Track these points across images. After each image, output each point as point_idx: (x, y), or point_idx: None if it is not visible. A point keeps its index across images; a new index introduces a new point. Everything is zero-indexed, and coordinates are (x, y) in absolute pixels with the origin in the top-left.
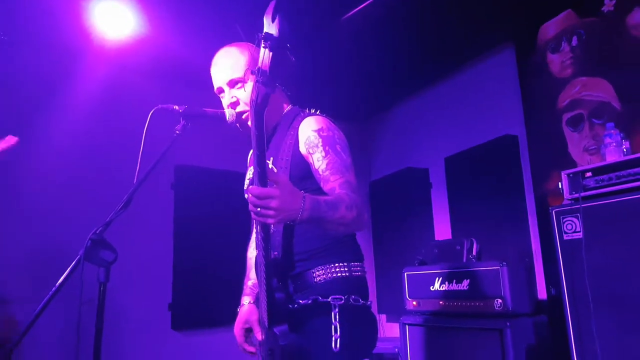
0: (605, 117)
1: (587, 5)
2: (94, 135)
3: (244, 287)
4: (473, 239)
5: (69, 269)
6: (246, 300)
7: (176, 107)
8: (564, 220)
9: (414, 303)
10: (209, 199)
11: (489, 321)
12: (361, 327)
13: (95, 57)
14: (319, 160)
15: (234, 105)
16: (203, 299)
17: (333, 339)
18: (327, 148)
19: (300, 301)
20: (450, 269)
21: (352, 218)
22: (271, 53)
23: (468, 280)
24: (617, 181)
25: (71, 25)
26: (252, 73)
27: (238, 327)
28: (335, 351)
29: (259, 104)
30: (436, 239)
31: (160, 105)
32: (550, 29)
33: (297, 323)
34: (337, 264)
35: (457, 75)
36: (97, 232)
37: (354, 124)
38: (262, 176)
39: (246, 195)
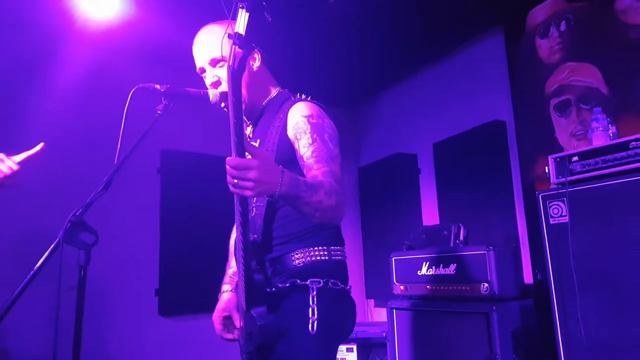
0: (593, 103)
1: None
2: (76, 116)
3: (225, 275)
4: (460, 224)
5: (47, 251)
6: (225, 287)
7: (157, 86)
8: (551, 204)
9: (402, 287)
10: (195, 183)
11: (476, 305)
12: (339, 311)
13: (78, 38)
14: (304, 147)
15: (215, 84)
16: (190, 285)
17: (310, 321)
18: (314, 136)
19: (279, 284)
20: (437, 253)
21: (329, 205)
22: (247, 14)
23: (455, 264)
24: (603, 165)
25: (54, 6)
26: (229, 38)
27: (217, 315)
28: (312, 333)
29: (236, 68)
30: (424, 224)
31: (140, 85)
32: (539, 13)
33: (275, 305)
34: (316, 248)
35: (445, 60)
36: (77, 214)
37: (342, 109)
38: (240, 147)
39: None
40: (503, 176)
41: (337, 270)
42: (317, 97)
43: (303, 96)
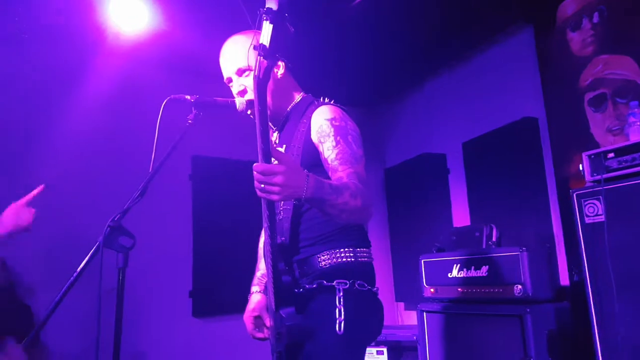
0: (630, 96)
1: None
2: (109, 127)
3: (254, 276)
4: (492, 225)
5: (88, 255)
6: (255, 289)
7: (187, 96)
8: (586, 203)
9: (432, 290)
10: (226, 188)
11: (509, 307)
12: (365, 312)
13: (109, 51)
14: (329, 150)
15: (242, 93)
16: (223, 286)
17: (337, 322)
18: (338, 138)
19: (306, 285)
20: (468, 255)
21: (355, 206)
22: (271, 25)
23: (487, 266)
24: None
25: (85, 20)
26: (254, 49)
27: (248, 315)
28: (339, 334)
29: (261, 78)
30: (454, 225)
31: (172, 96)
32: (569, 6)
33: (303, 306)
34: (343, 250)
35: (473, 57)
36: (115, 219)
37: (367, 109)
38: (266, 153)
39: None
40: (536, 175)
41: (363, 271)
42: (341, 98)
43: (326, 100)
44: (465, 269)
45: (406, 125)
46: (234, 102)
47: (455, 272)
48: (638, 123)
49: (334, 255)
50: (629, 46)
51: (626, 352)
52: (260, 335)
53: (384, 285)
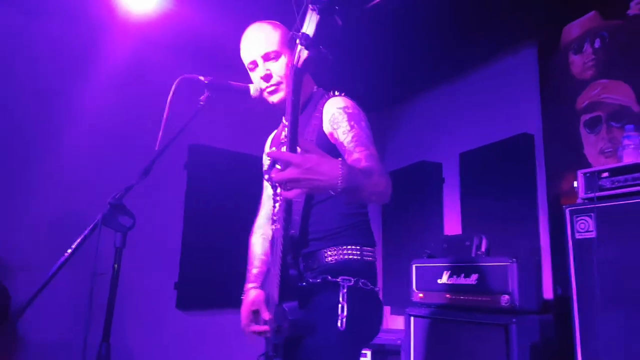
0: (624, 121)
1: (612, 8)
2: (116, 105)
3: (248, 274)
4: (482, 236)
5: (85, 232)
6: (251, 285)
7: (201, 77)
8: (578, 219)
9: (421, 295)
10: (221, 180)
11: (495, 316)
12: (368, 311)
13: (120, 30)
14: (344, 134)
15: (267, 77)
16: (209, 281)
17: (339, 318)
18: (352, 123)
19: (310, 280)
20: (459, 262)
21: (384, 185)
22: (319, 16)
23: (476, 274)
24: (633, 183)
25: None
26: (294, 38)
27: (246, 309)
28: (341, 330)
29: (300, 68)
30: (446, 233)
31: (185, 75)
32: (573, 29)
33: (306, 300)
34: (349, 247)
35: (477, 70)
36: (117, 197)
37: (370, 114)
38: (294, 144)
39: (267, 169)
40: (528, 189)
41: (367, 270)
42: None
43: (336, 92)
44: (455, 276)
45: (406, 132)
46: (248, 88)
47: (445, 279)
48: (632, 146)
49: (340, 251)
50: (627, 73)
51: None
52: (255, 328)
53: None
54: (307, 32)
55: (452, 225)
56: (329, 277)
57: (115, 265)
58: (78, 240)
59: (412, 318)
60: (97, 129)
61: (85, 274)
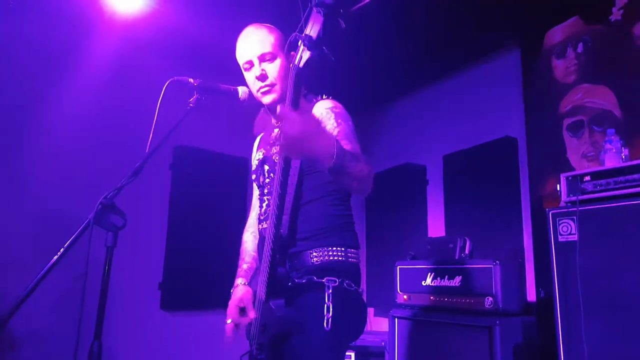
0: (606, 125)
1: (595, 13)
2: (103, 106)
3: (239, 269)
4: (466, 238)
5: (77, 232)
6: (240, 281)
7: (191, 80)
8: (560, 222)
9: (405, 297)
10: (206, 181)
11: (479, 318)
12: (352, 311)
13: (105, 29)
14: (330, 129)
15: (262, 77)
16: (194, 281)
17: (325, 318)
18: (339, 120)
19: (296, 280)
20: (443, 264)
21: (367, 173)
22: (323, 18)
23: (460, 277)
24: (615, 186)
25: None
26: (297, 39)
27: (233, 305)
28: (327, 329)
29: (301, 69)
30: (430, 235)
31: (175, 77)
32: (556, 34)
33: (292, 300)
34: (334, 248)
35: (460, 74)
36: (108, 196)
37: (354, 116)
38: None
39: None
40: (511, 192)
41: (352, 271)
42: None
43: (324, 96)
44: (439, 278)
45: (390, 134)
46: (236, 90)
47: (429, 281)
48: (614, 150)
49: (325, 252)
50: (608, 77)
51: None
52: (237, 321)
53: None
54: (311, 34)
55: (436, 227)
56: (314, 278)
57: (107, 266)
58: (70, 240)
59: (396, 320)
60: (85, 130)
61: (74, 273)
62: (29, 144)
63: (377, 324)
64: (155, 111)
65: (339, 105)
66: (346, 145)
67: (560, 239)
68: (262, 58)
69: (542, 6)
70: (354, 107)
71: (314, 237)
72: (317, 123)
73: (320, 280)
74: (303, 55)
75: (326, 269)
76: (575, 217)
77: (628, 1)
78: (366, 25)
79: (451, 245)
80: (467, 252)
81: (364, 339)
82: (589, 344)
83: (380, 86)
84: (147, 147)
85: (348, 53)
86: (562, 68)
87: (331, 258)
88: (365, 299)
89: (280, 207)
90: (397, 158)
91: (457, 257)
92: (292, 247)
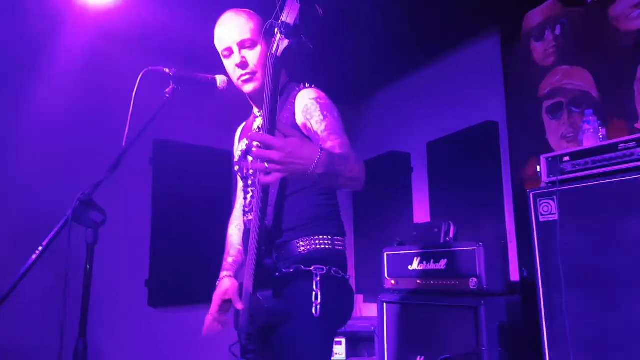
0: (584, 106)
1: None
2: (77, 101)
3: (224, 262)
4: (450, 222)
5: (55, 229)
6: (226, 273)
7: (166, 69)
8: (541, 202)
9: (393, 282)
10: (188, 175)
11: (465, 299)
12: (340, 297)
13: (76, 23)
14: (317, 123)
15: (242, 65)
16: (180, 276)
17: (314, 305)
18: (325, 112)
19: (283, 270)
20: (428, 249)
21: (358, 172)
22: (299, 5)
23: (445, 260)
24: (593, 166)
25: None
26: (273, 26)
27: (217, 297)
28: (316, 316)
29: (279, 57)
30: (415, 222)
31: (150, 67)
32: (535, 17)
33: (280, 290)
34: (321, 236)
35: (441, 60)
36: (86, 192)
37: (338, 105)
38: (272, 133)
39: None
40: (494, 176)
41: (339, 259)
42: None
43: (307, 85)
44: (425, 262)
45: (374, 123)
46: (214, 79)
47: (415, 265)
48: (591, 130)
49: (312, 241)
50: (586, 59)
51: (572, 345)
52: (222, 317)
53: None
54: (288, 21)
55: (422, 213)
56: (302, 267)
57: (88, 264)
58: (48, 239)
59: (384, 304)
60: (61, 126)
61: (58, 273)
62: (3, 142)
63: (367, 310)
64: (131, 104)
65: (322, 94)
66: (334, 140)
67: (541, 218)
68: (241, 45)
69: None
70: (339, 96)
71: (300, 227)
72: (297, 143)
73: (308, 268)
74: (280, 43)
75: (314, 257)
76: (555, 197)
77: None
78: (347, 14)
79: (436, 230)
80: (451, 236)
81: (354, 325)
82: (570, 319)
83: (363, 76)
84: (124, 140)
85: (330, 43)
86: (541, 51)
87: (318, 247)
88: (354, 285)
89: (264, 199)
90: (381, 147)
91: (442, 241)
92: (278, 238)
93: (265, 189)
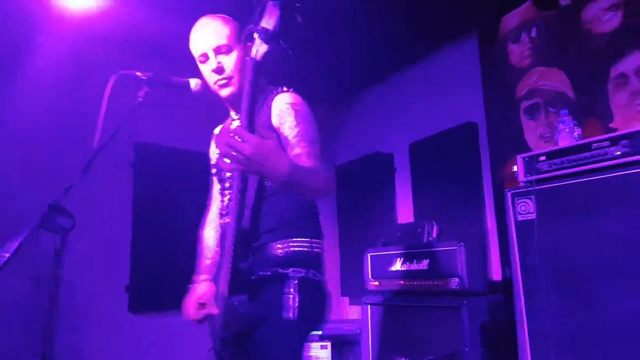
0: (560, 106)
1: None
2: (55, 104)
3: (199, 266)
4: (433, 222)
5: (22, 235)
6: (203, 277)
7: (139, 73)
8: (518, 201)
9: (376, 283)
10: (170, 178)
11: (447, 299)
12: (317, 300)
13: (54, 27)
14: (289, 128)
15: (219, 70)
16: (161, 282)
17: (291, 308)
18: (298, 119)
19: (260, 273)
20: (410, 249)
21: (324, 183)
22: (279, 11)
23: (427, 260)
24: (568, 165)
25: None
26: (252, 31)
27: (193, 300)
28: (292, 320)
29: (258, 61)
30: (399, 222)
31: (122, 72)
32: (511, 20)
33: (256, 293)
34: (298, 239)
35: (424, 62)
36: (55, 198)
37: (321, 106)
38: (250, 131)
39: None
40: (474, 176)
41: (316, 261)
42: (308, 92)
43: (284, 89)
44: (407, 263)
45: (357, 124)
46: (188, 82)
47: (398, 266)
48: (567, 130)
49: (290, 244)
50: (561, 60)
51: (553, 343)
52: (195, 317)
53: (330, 280)
54: (267, 27)
55: (405, 213)
56: (280, 270)
57: (56, 271)
58: (15, 245)
59: (368, 306)
60: (38, 130)
61: (25, 280)
62: None
63: (353, 312)
64: (102, 107)
65: (299, 100)
66: (303, 148)
67: (519, 218)
68: (217, 50)
69: None
70: (320, 98)
71: (278, 229)
72: (271, 147)
73: (285, 271)
74: (260, 48)
75: (291, 260)
76: (532, 196)
77: None
78: (329, 16)
79: (419, 230)
80: (434, 235)
81: (340, 328)
82: (550, 318)
83: (345, 77)
84: (95, 144)
85: (313, 44)
86: (518, 53)
87: (295, 249)
88: (339, 288)
89: (241, 201)
90: (366, 147)
91: (425, 241)
92: (255, 240)
93: (242, 190)
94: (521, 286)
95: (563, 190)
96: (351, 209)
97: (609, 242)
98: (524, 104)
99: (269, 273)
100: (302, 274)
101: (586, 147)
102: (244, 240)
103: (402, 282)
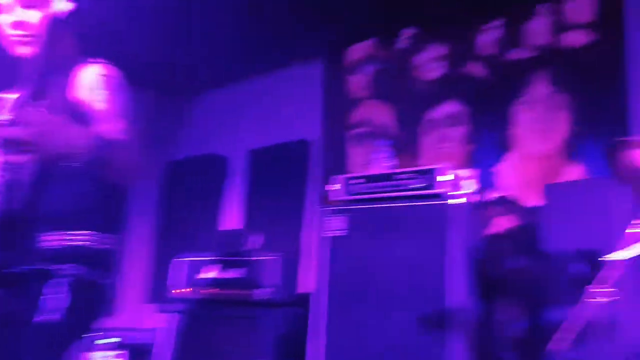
0: (384, 137)
1: (388, 39)
2: None
3: None
4: (256, 232)
5: None
6: None
7: None
8: (330, 219)
9: (180, 291)
10: None
11: (249, 310)
12: (89, 302)
13: None
14: (98, 102)
15: (18, 25)
16: None
17: (58, 309)
18: (109, 92)
19: (25, 267)
20: (221, 256)
21: (132, 163)
22: None
23: (239, 269)
24: (375, 190)
25: None
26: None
27: None
28: (56, 323)
29: (56, 19)
30: (223, 228)
31: None
32: (355, 52)
33: (19, 289)
34: (79, 232)
35: (270, 76)
36: None
37: (165, 98)
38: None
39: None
40: (300, 190)
41: (103, 259)
42: (146, 80)
43: (99, 60)
44: (220, 271)
45: (199, 122)
46: None
47: (209, 273)
48: (381, 159)
49: (67, 236)
50: (391, 97)
51: (349, 357)
52: None
53: (139, 286)
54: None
55: (233, 220)
56: (50, 264)
57: None
58: None
59: (170, 314)
60: None
61: None
62: None
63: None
64: None
65: (114, 72)
66: (113, 123)
67: (329, 234)
68: (24, 3)
69: (346, 25)
70: (167, 89)
71: (57, 220)
72: (60, 121)
73: (57, 267)
74: (65, 5)
75: (68, 255)
76: (343, 215)
77: (413, 33)
78: (190, 10)
79: (241, 239)
80: (256, 245)
81: (138, 337)
82: (350, 333)
83: (195, 76)
84: None
85: (162, 35)
86: (356, 84)
87: (74, 243)
88: (148, 295)
89: (15, 181)
90: (202, 147)
91: (244, 250)
92: (25, 229)
93: (15, 171)
94: (322, 301)
95: (371, 211)
96: (176, 211)
97: (397, 264)
98: (355, 131)
99: (37, 267)
100: (78, 271)
101: (388, 177)
102: (10, 227)
103: (209, 290)
